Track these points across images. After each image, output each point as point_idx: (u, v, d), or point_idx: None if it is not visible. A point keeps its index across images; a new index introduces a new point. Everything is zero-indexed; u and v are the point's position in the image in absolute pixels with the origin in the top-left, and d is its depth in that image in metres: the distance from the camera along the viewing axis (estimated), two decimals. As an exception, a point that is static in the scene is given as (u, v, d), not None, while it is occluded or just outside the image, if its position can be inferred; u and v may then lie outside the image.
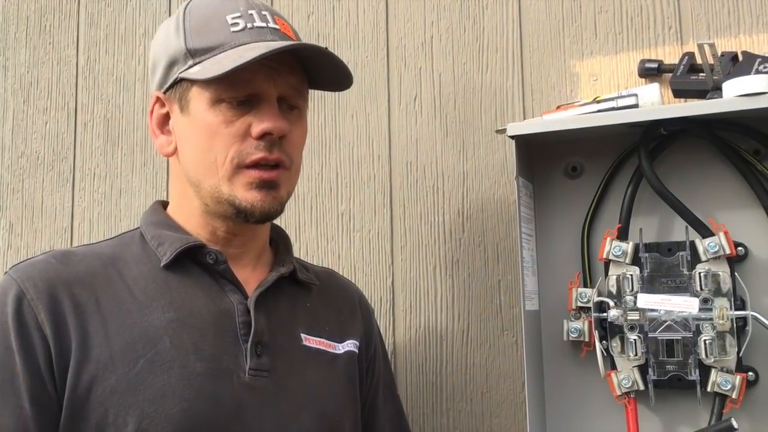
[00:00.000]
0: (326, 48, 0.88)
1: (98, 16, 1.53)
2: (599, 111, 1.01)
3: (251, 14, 0.89)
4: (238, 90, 0.86)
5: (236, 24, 0.88)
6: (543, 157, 1.13)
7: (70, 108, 1.53)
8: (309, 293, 0.99)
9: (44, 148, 1.53)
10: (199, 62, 0.87)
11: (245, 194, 0.87)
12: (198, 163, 0.89)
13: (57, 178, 1.51)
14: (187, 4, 0.92)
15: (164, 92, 0.92)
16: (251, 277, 0.94)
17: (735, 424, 0.87)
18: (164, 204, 0.99)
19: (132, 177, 1.46)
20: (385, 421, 1.07)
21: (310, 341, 0.95)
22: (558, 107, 1.08)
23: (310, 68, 0.92)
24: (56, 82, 1.54)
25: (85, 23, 1.54)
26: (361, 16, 1.33)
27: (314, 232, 1.31)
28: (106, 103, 1.50)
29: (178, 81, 0.89)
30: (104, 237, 1.43)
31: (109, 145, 1.48)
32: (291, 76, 0.90)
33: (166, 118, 0.93)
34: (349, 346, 1.00)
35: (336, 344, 0.98)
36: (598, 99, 1.04)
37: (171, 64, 0.90)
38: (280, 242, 1.02)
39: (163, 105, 0.93)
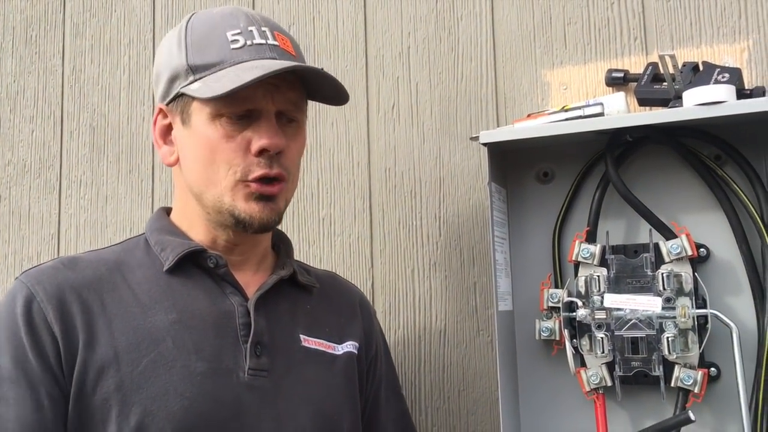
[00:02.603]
0: (322, 69, 0.92)
1: (84, 26, 1.56)
2: (567, 119, 1.05)
3: (251, 31, 0.92)
4: (237, 106, 0.90)
5: (236, 41, 0.91)
6: (515, 163, 1.18)
7: (56, 116, 1.56)
8: (309, 295, 1.02)
9: (31, 156, 1.56)
10: (200, 78, 0.90)
11: (245, 206, 0.91)
12: (199, 175, 0.92)
13: (44, 186, 1.54)
14: (189, 18, 0.95)
15: (167, 104, 0.95)
16: (252, 280, 0.97)
17: (692, 416, 0.92)
18: (168, 210, 1.02)
19: (118, 184, 1.49)
20: (389, 420, 1.09)
21: (310, 342, 0.98)
22: (528, 115, 1.13)
23: (308, 82, 0.95)
24: (42, 91, 1.57)
25: (70, 33, 1.57)
26: (341, 27, 1.37)
27: (296, 237, 1.35)
28: (91, 111, 1.53)
29: (180, 95, 0.93)
30: (91, 243, 1.47)
31: (95, 153, 1.51)
32: (290, 92, 0.93)
33: (169, 128, 0.97)
34: (349, 347, 1.02)
35: (335, 345, 1.00)
36: (566, 108, 1.08)
37: (173, 79, 0.93)
38: (281, 246, 1.05)
39: (165, 116, 0.96)
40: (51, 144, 1.55)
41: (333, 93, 0.97)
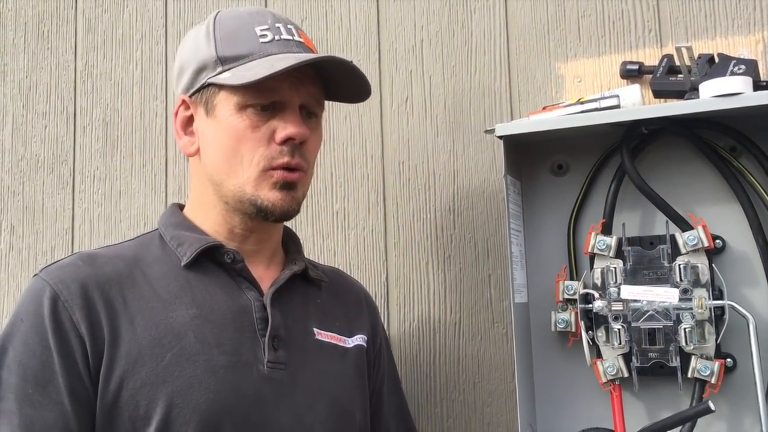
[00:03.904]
0: (351, 62, 0.94)
1: (96, 21, 1.56)
2: (583, 111, 1.06)
3: (278, 27, 0.95)
4: (264, 97, 0.92)
5: (265, 36, 0.94)
6: (530, 156, 1.18)
7: (69, 112, 1.56)
8: (319, 290, 1.04)
9: (44, 152, 1.56)
10: (229, 69, 0.92)
11: (268, 194, 0.92)
12: (222, 164, 0.94)
13: (57, 181, 1.55)
14: (216, 15, 0.97)
15: (190, 96, 0.97)
16: (265, 275, 0.98)
17: (712, 406, 0.92)
18: (181, 206, 1.03)
19: (131, 179, 1.49)
20: (390, 413, 1.11)
21: (322, 335, 0.99)
22: (544, 108, 1.13)
23: (328, 80, 0.98)
24: (55, 86, 1.58)
25: (82, 29, 1.57)
26: (353, 21, 1.37)
27: (310, 230, 1.35)
28: (104, 106, 1.53)
29: (206, 86, 0.94)
30: (105, 237, 1.48)
31: (108, 147, 1.52)
32: (312, 87, 0.96)
33: (190, 120, 0.98)
34: (358, 340, 1.04)
35: (346, 338, 1.02)
36: (581, 100, 1.08)
37: (200, 70, 0.95)
38: (290, 242, 1.06)
39: (187, 108, 0.97)
40: (64, 139, 1.55)
41: (355, 88, 0.99)
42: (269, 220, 0.95)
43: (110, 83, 1.54)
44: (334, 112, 1.36)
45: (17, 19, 1.63)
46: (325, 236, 1.35)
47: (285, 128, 0.92)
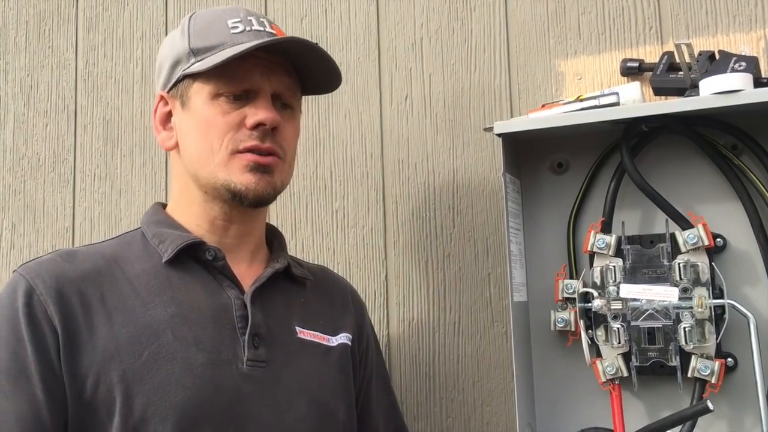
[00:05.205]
0: (316, 43, 0.96)
1: (96, 20, 1.56)
2: (582, 109, 1.05)
3: (250, 20, 0.97)
4: (236, 85, 0.93)
5: (236, 27, 0.95)
6: (530, 154, 1.17)
7: (69, 110, 1.56)
8: (303, 288, 1.04)
9: (45, 150, 1.57)
10: (201, 59, 0.94)
11: (240, 177, 0.93)
12: (196, 153, 0.95)
13: (58, 179, 1.55)
14: (192, 14, 0.99)
15: (168, 91, 0.98)
16: (247, 273, 0.98)
17: (710, 406, 0.91)
18: (163, 205, 1.04)
19: (131, 177, 1.49)
20: (380, 412, 1.11)
21: (305, 334, 0.99)
22: (543, 105, 1.12)
23: (303, 73, 0.99)
24: (56, 85, 1.58)
25: (83, 27, 1.58)
26: (353, 19, 1.37)
27: (310, 229, 1.35)
28: (105, 105, 1.53)
29: (181, 79, 0.96)
30: (105, 236, 1.48)
31: (108, 146, 1.52)
32: (285, 77, 0.97)
33: (169, 115, 0.99)
34: (342, 338, 1.04)
35: (329, 337, 1.02)
36: (581, 97, 1.07)
37: (175, 64, 0.97)
38: (275, 240, 1.06)
39: (166, 103, 0.99)
40: (65, 138, 1.55)
41: (327, 75, 0.99)
42: (244, 205, 0.94)
43: (111, 82, 1.54)
44: (333, 110, 1.36)
45: (18, 18, 1.63)
46: (324, 235, 1.34)
47: (255, 114, 0.93)
